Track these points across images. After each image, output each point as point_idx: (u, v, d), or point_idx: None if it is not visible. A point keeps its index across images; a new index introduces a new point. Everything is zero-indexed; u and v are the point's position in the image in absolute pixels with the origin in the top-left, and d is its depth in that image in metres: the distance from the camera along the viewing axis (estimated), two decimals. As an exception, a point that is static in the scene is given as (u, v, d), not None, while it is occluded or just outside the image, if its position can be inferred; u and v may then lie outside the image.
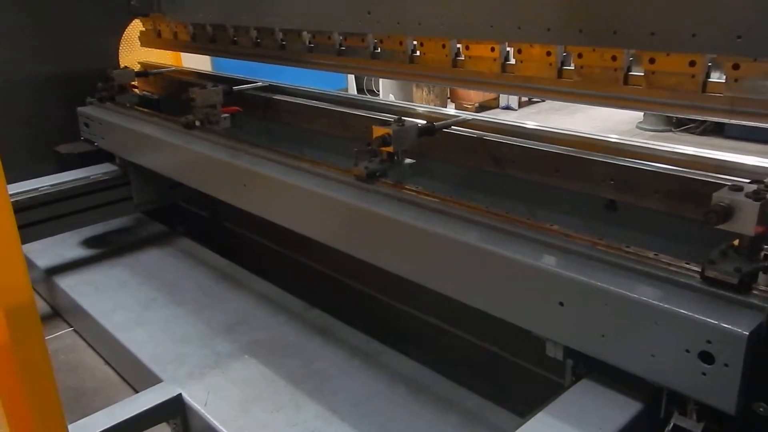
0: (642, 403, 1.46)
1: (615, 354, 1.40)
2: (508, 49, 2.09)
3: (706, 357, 1.24)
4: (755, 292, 1.29)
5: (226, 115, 3.15)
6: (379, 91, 8.42)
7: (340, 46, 2.72)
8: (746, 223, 1.31)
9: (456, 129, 2.43)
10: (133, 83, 4.02)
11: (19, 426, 1.47)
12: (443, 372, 2.38)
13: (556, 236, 1.60)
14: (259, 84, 3.56)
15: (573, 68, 1.89)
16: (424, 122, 2.28)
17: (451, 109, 2.93)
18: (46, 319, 3.33)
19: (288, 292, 3.03)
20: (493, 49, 2.10)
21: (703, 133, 7.80)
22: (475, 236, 1.70)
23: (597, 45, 1.78)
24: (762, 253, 1.33)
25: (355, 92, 8.59)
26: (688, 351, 1.26)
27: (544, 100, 9.21)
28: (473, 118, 2.51)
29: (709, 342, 1.23)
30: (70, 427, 2.18)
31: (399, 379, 2.37)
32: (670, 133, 7.88)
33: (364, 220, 2.00)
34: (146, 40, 4.12)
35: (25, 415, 1.43)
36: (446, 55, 2.27)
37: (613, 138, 2.10)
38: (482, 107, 8.84)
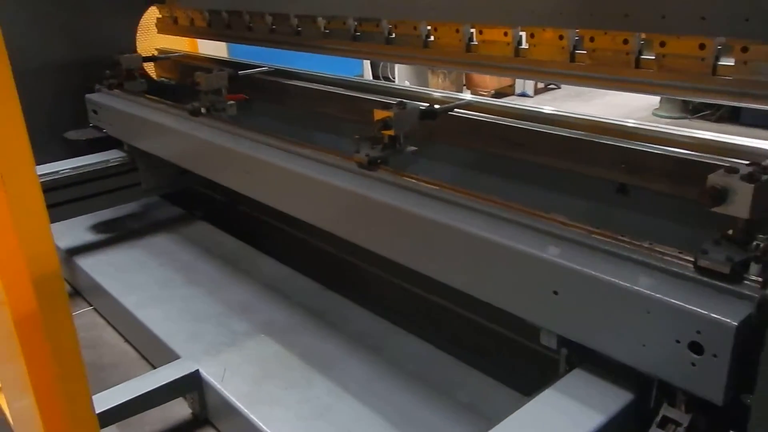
0: (632, 394, 1.47)
1: (607, 343, 1.41)
2: (520, 33, 2.11)
3: (696, 347, 1.25)
4: (747, 282, 1.29)
5: (232, 102, 3.19)
6: (394, 78, 8.43)
7: (355, 31, 2.75)
8: (740, 206, 1.31)
9: (465, 113, 2.45)
10: (145, 70, 4.06)
11: (44, 394, 1.52)
12: (452, 352, 2.42)
13: (552, 224, 1.60)
14: (265, 69, 3.61)
15: (585, 52, 1.91)
16: (426, 105, 2.29)
17: (462, 94, 2.96)
18: (66, 298, 3.41)
19: (302, 273, 3.09)
20: (506, 34, 2.12)
21: (719, 120, 7.73)
22: (472, 223, 1.70)
23: (608, 28, 1.79)
24: (754, 243, 1.32)
25: (371, 79, 8.60)
26: (678, 341, 1.27)
27: (559, 87, 9.18)
28: (477, 101, 2.54)
29: (698, 332, 1.23)
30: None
31: (409, 358, 2.42)
32: (686, 120, 7.82)
33: (364, 207, 2.01)
34: (163, 26, 4.17)
35: (50, 383, 1.49)
36: (460, 40, 2.30)
37: (616, 120, 2.11)
38: (498, 94, 8.82)
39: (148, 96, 3.51)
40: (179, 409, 2.51)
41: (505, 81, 8.73)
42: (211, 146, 2.70)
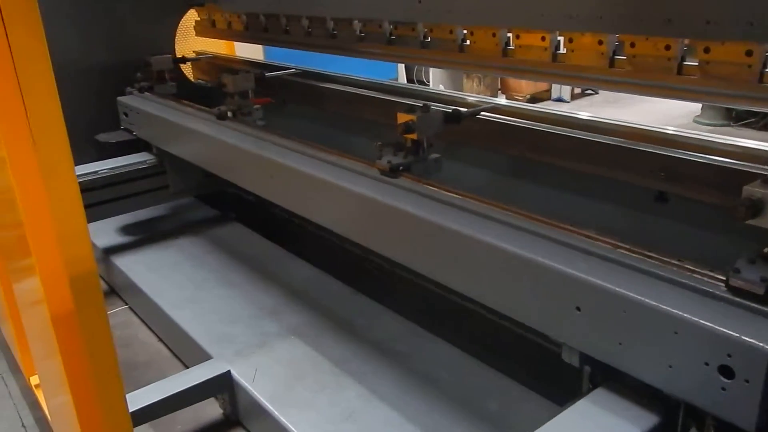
0: (658, 416, 1.41)
1: (631, 363, 1.36)
2: (558, 38, 2.08)
3: (726, 371, 1.18)
4: None
5: (258, 106, 3.21)
6: (429, 82, 8.41)
7: (390, 35, 2.74)
8: None
9: (493, 116, 2.42)
10: (177, 72, 4.10)
11: (80, 391, 1.55)
12: (483, 358, 2.40)
13: (576, 237, 1.56)
14: (292, 70, 3.64)
15: (625, 58, 1.87)
16: (451, 108, 2.26)
17: (490, 98, 2.92)
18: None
19: (332, 275, 3.09)
20: (543, 38, 2.09)
21: (763, 128, 7.52)
22: (493, 234, 1.66)
23: (650, 34, 1.75)
24: None
25: (405, 82, 8.60)
26: (707, 364, 1.21)
27: (597, 92, 9.04)
28: (504, 105, 2.52)
29: (729, 356, 1.17)
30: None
31: (438, 364, 2.40)
32: (729, 128, 7.62)
33: (385, 215, 1.97)
34: (201, 29, 4.23)
35: (86, 380, 1.51)
36: (496, 44, 2.27)
37: (652, 127, 2.06)
38: (534, 99, 8.72)
39: (176, 99, 3.55)
40: (210, 410, 2.53)
41: (541, 86, 8.63)
42: (235, 150, 2.70)
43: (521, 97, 8.68)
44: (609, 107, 8.62)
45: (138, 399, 2.26)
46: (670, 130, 2.02)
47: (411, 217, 1.86)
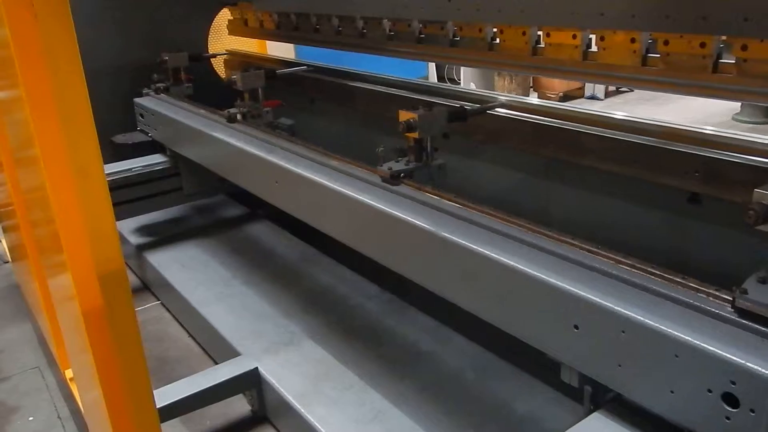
0: None
1: (631, 386, 1.28)
2: (590, 36, 2.04)
3: (730, 399, 1.10)
4: None
5: (268, 109, 3.19)
6: (460, 80, 8.36)
7: (420, 34, 2.73)
8: None
9: (508, 113, 2.42)
10: (199, 69, 4.05)
11: (110, 385, 1.58)
12: (512, 361, 2.37)
13: (578, 251, 1.49)
14: (304, 67, 3.66)
15: (658, 56, 1.83)
16: (456, 106, 2.23)
17: (528, 97, 2.87)
18: (135, 291, 3.55)
19: (361, 275, 3.09)
20: (574, 36, 2.06)
21: (807, 127, 7.30)
22: (490, 246, 1.59)
23: (685, 31, 1.71)
24: None
25: (436, 81, 8.56)
26: (710, 391, 1.12)
27: (632, 90, 8.86)
28: (518, 102, 2.50)
29: (733, 383, 1.08)
30: (155, 392, 2.33)
31: (468, 365, 2.39)
32: (770, 126, 7.41)
33: (383, 223, 1.91)
34: (234, 28, 4.27)
35: (115, 375, 1.54)
36: (526, 43, 2.24)
37: (686, 126, 2.00)
38: (566, 97, 8.60)
39: (190, 100, 3.52)
40: (239, 406, 2.57)
41: (573, 84, 8.49)
42: (242, 154, 2.66)
43: (554, 95, 8.57)
44: (644, 104, 8.46)
45: (168, 394, 2.30)
46: (707, 129, 1.97)
47: (407, 225, 1.81)
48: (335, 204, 2.13)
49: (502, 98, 2.62)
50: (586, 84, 8.55)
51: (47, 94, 1.28)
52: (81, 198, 1.32)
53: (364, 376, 2.38)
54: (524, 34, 2.24)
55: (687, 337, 1.16)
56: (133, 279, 3.70)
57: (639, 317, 1.23)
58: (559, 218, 2.38)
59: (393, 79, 3.21)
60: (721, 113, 7.81)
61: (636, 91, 8.77)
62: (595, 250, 1.46)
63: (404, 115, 2.02)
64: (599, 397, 1.46)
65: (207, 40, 4.41)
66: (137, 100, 3.76)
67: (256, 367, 2.44)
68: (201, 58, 4.10)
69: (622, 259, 1.40)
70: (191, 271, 3.32)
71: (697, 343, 1.14)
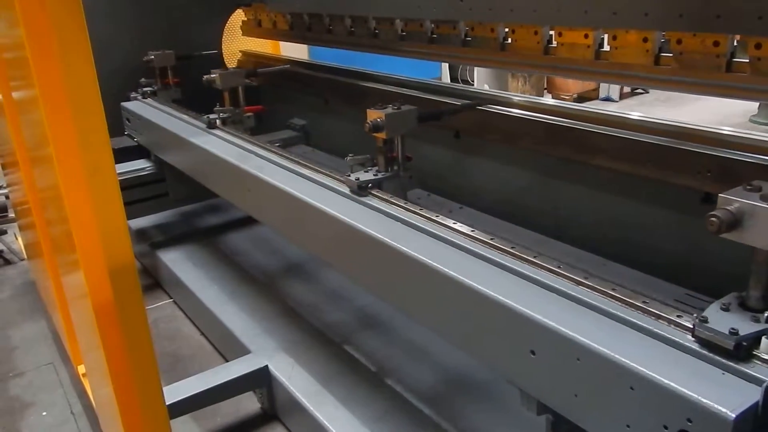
0: None
1: (587, 418, 1.19)
2: (602, 36, 2.03)
3: None
4: (757, 362, 1.03)
5: (250, 114, 3.13)
6: (473, 81, 8.34)
7: (432, 33, 2.73)
8: (759, 234, 1.06)
9: (507, 111, 2.43)
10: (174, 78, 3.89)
11: (120, 382, 1.60)
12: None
13: (539, 271, 1.40)
14: (287, 67, 3.71)
15: (671, 55, 1.81)
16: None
17: (541, 97, 2.84)
18: (148, 289, 3.58)
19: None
20: (586, 36, 2.05)
21: (825, 128, 7.19)
22: (448, 262, 1.49)
23: (698, 30, 1.69)
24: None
25: (449, 82, 8.54)
26: (666, 428, 1.03)
27: (647, 91, 8.81)
28: (503, 97, 2.54)
29: (689, 421, 0.99)
30: (166, 388, 2.36)
31: (477, 366, 2.38)
32: (788, 128, 7.32)
33: (346, 235, 1.82)
34: (247, 29, 4.29)
35: (126, 371, 1.56)
36: (538, 42, 2.23)
37: (694, 126, 1.97)
38: (581, 98, 8.55)
39: (175, 105, 3.42)
40: (249, 404, 2.58)
41: (588, 85, 8.45)
42: (215, 160, 2.57)
43: (568, 96, 8.52)
44: (660, 106, 8.39)
45: (179, 390, 2.32)
46: (720, 129, 1.95)
47: (365, 237, 1.72)
48: (302, 215, 2.03)
49: (514, 98, 2.61)
50: (601, 85, 8.50)
51: (61, 93, 1.30)
52: (93, 196, 1.34)
53: (374, 375, 2.38)
54: (536, 33, 2.23)
55: (642, 369, 1.06)
56: (146, 277, 3.73)
57: (594, 345, 1.14)
58: (569, 219, 2.36)
59: (405, 79, 3.21)
60: (737, 114, 7.73)
61: (652, 92, 8.72)
62: (558, 270, 1.37)
63: (371, 114, 1.95)
64: (561, 427, 1.37)
65: (221, 41, 4.43)
66: (124, 104, 3.65)
67: (267, 366, 2.45)
68: (191, 57, 3.93)
69: (583, 281, 1.32)
70: (204, 269, 3.34)
71: (652, 375, 1.04)
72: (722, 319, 1.08)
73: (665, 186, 1.97)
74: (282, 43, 4.70)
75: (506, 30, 2.38)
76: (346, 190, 1.98)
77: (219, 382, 2.37)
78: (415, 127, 2.05)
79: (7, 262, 4.15)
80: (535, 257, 1.44)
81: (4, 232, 4.25)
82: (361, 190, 1.93)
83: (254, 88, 4.38)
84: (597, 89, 8.70)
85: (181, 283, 3.27)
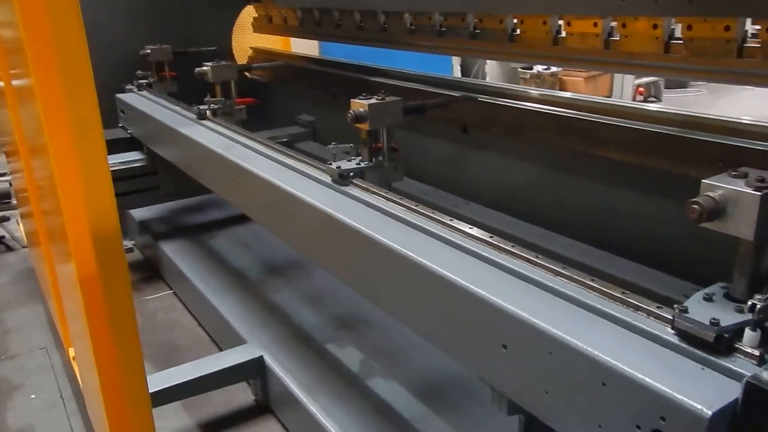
0: None
1: (557, 417, 1.11)
2: (611, 24, 1.99)
3: None
4: (738, 355, 0.96)
5: (242, 106, 3.09)
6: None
7: (441, 27, 2.70)
8: (742, 223, 0.98)
9: (535, 106, 2.37)
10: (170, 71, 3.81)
11: (104, 365, 1.59)
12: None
13: (515, 261, 1.32)
14: (281, 62, 3.80)
15: (681, 42, 1.77)
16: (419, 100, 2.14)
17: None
18: (150, 280, 3.56)
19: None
20: (595, 25, 2.01)
21: None
22: (417, 249, 1.42)
23: (709, 15, 1.65)
24: (750, 302, 0.98)
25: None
26: (638, 427, 0.96)
27: (659, 99, 8.67)
28: (495, 87, 2.51)
29: (662, 419, 0.92)
30: (159, 374, 2.33)
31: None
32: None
33: (325, 225, 1.73)
34: (258, 25, 4.29)
35: (110, 355, 1.55)
36: (546, 33, 2.19)
37: (705, 114, 1.92)
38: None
39: (168, 97, 3.35)
40: (243, 395, 2.53)
41: (601, 85, 8.24)
42: (201, 150, 2.49)
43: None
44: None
45: (172, 376, 2.29)
46: (730, 117, 1.89)
47: (345, 227, 1.63)
48: (281, 204, 1.95)
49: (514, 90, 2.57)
50: (615, 87, 8.27)
51: (55, 82, 1.31)
52: (85, 186, 1.36)
53: (371, 369, 2.33)
54: (545, 23, 2.19)
55: (614, 362, 0.98)
56: (147, 268, 3.72)
57: (566, 336, 1.06)
58: (577, 211, 2.31)
59: (412, 73, 3.18)
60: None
61: (666, 99, 8.52)
62: (534, 259, 1.30)
63: (355, 105, 1.89)
64: (533, 429, 1.30)
65: (231, 37, 4.43)
66: (119, 95, 3.58)
67: (262, 356, 2.40)
68: (188, 53, 3.83)
69: (562, 270, 1.24)
70: (204, 261, 3.31)
71: (624, 369, 0.97)
72: (704, 310, 1.00)
73: (672, 177, 1.91)
74: (293, 40, 4.69)
75: (515, 21, 2.35)
76: (327, 179, 1.90)
77: (213, 370, 2.33)
78: (400, 119, 1.96)
79: (9, 249, 4.15)
80: (512, 247, 1.35)
81: (7, 219, 4.25)
82: (342, 179, 1.85)
83: (262, 83, 4.40)
84: (610, 90, 8.47)
85: (181, 274, 3.24)
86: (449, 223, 1.51)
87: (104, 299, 1.47)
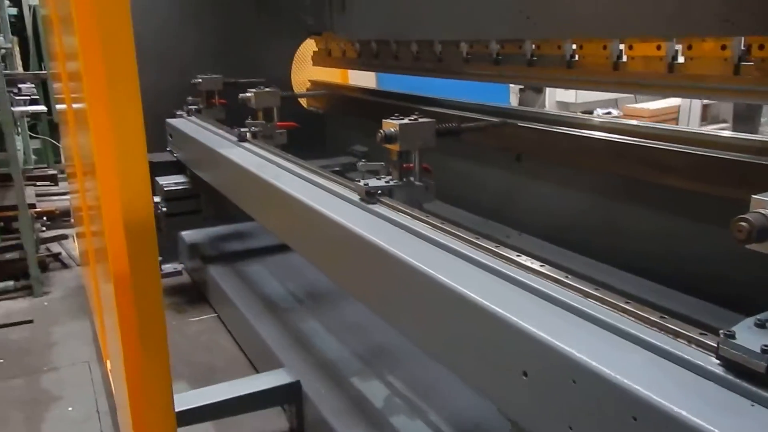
0: None
1: None
2: (676, 47, 1.90)
3: None
4: None
5: (282, 130, 3.10)
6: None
7: (497, 55, 2.65)
8: None
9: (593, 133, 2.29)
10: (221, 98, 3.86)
11: (133, 377, 1.57)
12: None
13: (543, 281, 1.21)
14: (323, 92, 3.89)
15: (752, 63, 1.65)
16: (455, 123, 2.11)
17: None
18: (195, 302, 3.57)
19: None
20: (659, 47, 1.91)
21: None
22: (437, 267, 1.33)
23: (783, 33, 1.54)
24: None
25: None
26: None
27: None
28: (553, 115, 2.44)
29: None
30: (192, 392, 2.29)
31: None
32: None
33: (351, 245, 1.65)
34: (318, 59, 4.35)
35: (138, 368, 1.54)
36: (606, 57, 2.11)
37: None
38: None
39: (214, 122, 3.36)
40: (277, 422, 2.45)
41: (667, 111, 7.87)
42: (236, 170, 2.46)
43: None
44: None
45: (207, 395, 2.25)
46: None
47: (369, 246, 1.55)
48: (308, 222, 1.88)
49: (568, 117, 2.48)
50: (681, 111, 7.95)
51: (105, 110, 1.36)
52: (124, 209, 1.39)
53: (408, 403, 2.22)
54: (605, 48, 2.11)
55: (647, 393, 0.86)
56: (193, 290, 3.73)
57: (592, 363, 0.93)
58: (631, 241, 2.19)
59: (466, 102, 3.12)
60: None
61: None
62: (565, 280, 1.19)
63: (387, 125, 1.84)
64: None
65: (290, 69, 4.51)
66: (169, 120, 3.65)
67: (298, 381, 2.33)
68: (237, 85, 3.78)
69: (593, 292, 1.12)
70: (248, 286, 3.29)
71: (659, 401, 0.84)
72: (754, 337, 0.87)
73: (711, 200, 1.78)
74: (351, 74, 4.73)
75: (573, 47, 2.28)
76: (355, 197, 1.83)
77: (247, 392, 2.27)
78: (434, 142, 1.89)
79: (65, 266, 4.26)
80: (541, 266, 1.25)
81: (65, 237, 4.37)
82: (369, 196, 1.78)
83: (318, 115, 4.44)
84: (676, 116, 8.11)
85: (225, 297, 3.22)
86: (475, 241, 1.42)
87: (137, 319, 1.48)
